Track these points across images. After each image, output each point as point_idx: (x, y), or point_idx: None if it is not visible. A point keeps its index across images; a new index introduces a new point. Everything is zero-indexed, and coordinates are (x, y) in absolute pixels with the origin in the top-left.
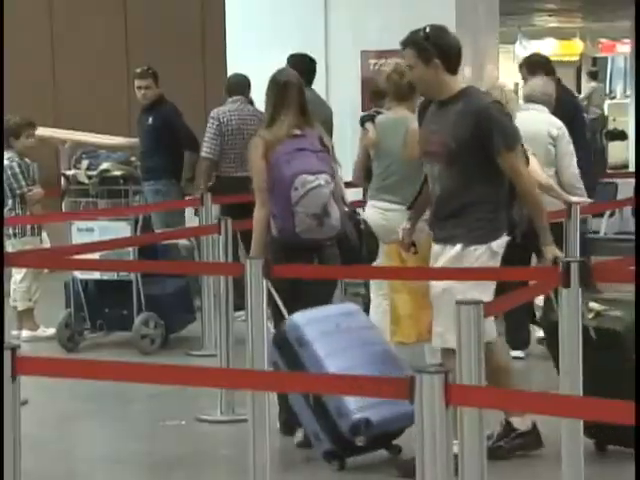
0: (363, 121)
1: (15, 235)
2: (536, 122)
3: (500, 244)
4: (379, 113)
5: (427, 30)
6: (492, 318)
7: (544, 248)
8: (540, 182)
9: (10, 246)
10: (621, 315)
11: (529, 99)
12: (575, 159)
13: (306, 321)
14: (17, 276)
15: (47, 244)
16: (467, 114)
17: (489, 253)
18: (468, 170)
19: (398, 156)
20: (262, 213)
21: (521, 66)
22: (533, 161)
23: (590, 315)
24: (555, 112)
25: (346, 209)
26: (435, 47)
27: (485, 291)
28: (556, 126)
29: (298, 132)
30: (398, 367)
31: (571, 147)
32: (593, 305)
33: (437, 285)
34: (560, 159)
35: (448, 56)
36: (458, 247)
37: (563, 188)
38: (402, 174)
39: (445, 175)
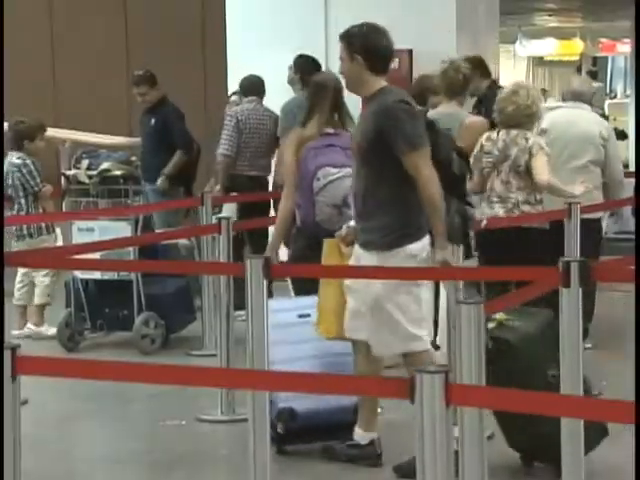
0: None
1: (31, 235)
2: (588, 122)
3: (418, 247)
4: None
5: (361, 28)
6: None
7: (437, 251)
8: (544, 182)
9: (26, 245)
10: (518, 325)
11: (578, 98)
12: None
13: (279, 308)
14: (41, 272)
15: (60, 242)
16: (375, 114)
17: (404, 256)
18: (377, 170)
19: None
20: (286, 206)
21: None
22: (543, 160)
23: (492, 325)
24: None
25: None
26: (361, 45)
27: (411, 294)
28: (605, 126)
29: (331, 131)
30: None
31: (617, 147)
32: (498, 315)
33: (369, 294)
34: (610, 159)
35: (372, 56)
36: (374, 256)
37: (609, 187)
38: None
39: (361, 174)
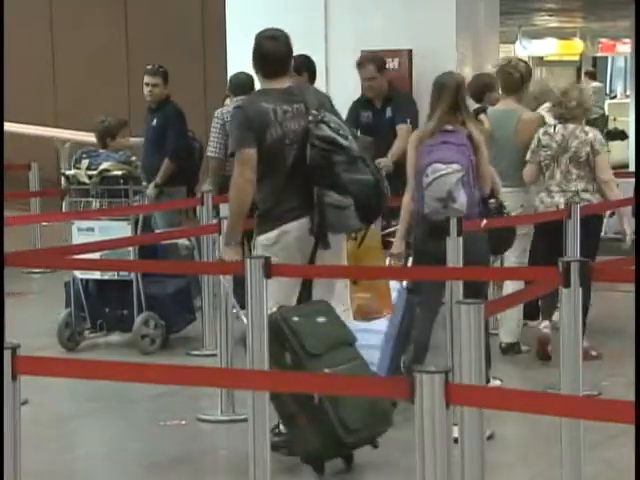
0: (477, 113)
1: None
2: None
3: (268, 237)
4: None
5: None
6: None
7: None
8: (606, 181)
9: None
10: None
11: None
12: None
13: None
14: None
15: None
16: None
17: (260, 246)
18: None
19: (509, 143)
20: (406, 198)
21: (360, 64)
22: (605, 158)
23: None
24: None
25: (492, 201)
26: (254, 52)
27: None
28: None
29: (449, 127)
30: None
31: None
32: None
33: None
34: None
35: (260, 62)
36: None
37: None
38: (512, 159)
39: None
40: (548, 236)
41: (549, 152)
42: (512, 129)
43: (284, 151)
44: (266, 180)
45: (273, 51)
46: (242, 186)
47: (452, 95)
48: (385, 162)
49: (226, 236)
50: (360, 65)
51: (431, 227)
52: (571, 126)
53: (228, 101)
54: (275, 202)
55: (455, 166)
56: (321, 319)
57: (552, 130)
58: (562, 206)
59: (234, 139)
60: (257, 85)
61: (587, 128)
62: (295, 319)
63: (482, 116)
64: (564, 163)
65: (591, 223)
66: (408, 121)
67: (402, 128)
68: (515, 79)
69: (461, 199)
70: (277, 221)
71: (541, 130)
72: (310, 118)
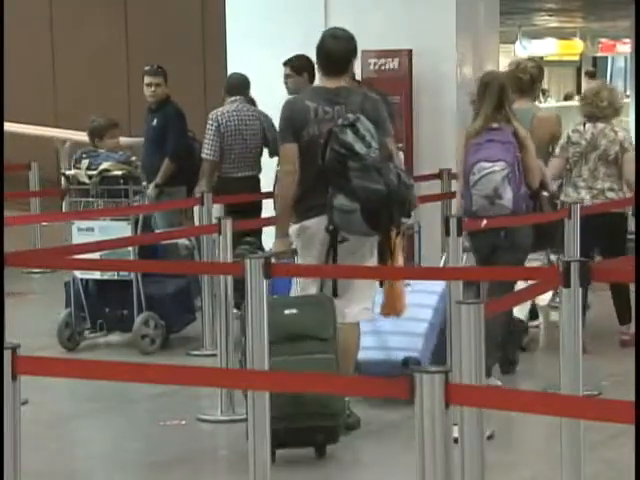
0: None
1: None
2: None
3: (292, 229)
4: None
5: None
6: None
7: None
8: (630, 180)
9: None
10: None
11: None
12: None
13: None
14: None
15: None
16: None
17: (291, 236)
18: None
19: None
20: (457, 197)
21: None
22: (632, 157)
23: None
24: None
25: (545, 193)
26: (316, 48)
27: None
28: None
29: (495, 125)
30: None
31: None
32: None
33: None
34: None
35: (318, 58)
36: None
37: None
38: None
39: None
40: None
41: (578, 149)
42: (527, 127)
43: (317, 150)
44: (300, 175)
45: (331, 50)
46: (282, 179)
47: (496, 94)
48: None
49: (276, 229)
50: None
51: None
52: (601, 125)
53: (228, 101)
54: (302, 197)
55: (500, 164)
56: (290, 311)
57: (582, 128)
58: (587, 202)
59: (278, 133)
60: (254, 85)
61: (617, 128)
62: None
63: None
64: (592, 160)
65: (615, 222)
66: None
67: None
68: (526, 81)
69: (507, 196)
70: (300, 215)
71: (570, 127)
72: (339, 121)
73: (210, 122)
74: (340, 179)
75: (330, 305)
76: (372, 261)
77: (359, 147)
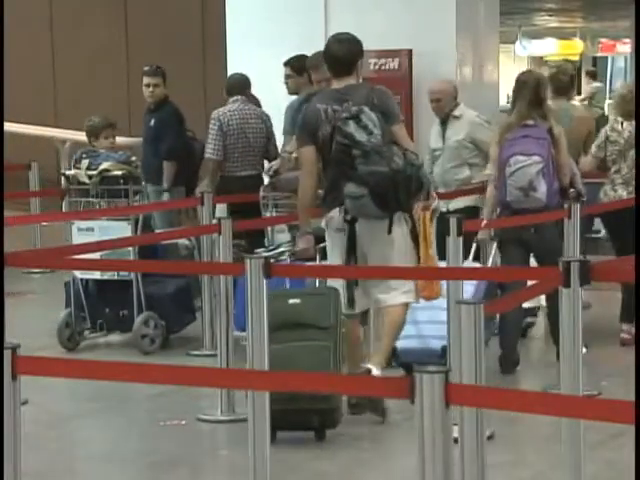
0: None
1: None
2: None
3: (322, 222)
4: None
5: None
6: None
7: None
8: None
9: None
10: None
11: None
12: None
13: None
14: None
15: None
16: None
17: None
18: None
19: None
20: (490, 188)
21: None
22: None
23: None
24: None
25: (572, 191)
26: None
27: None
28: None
29: (530, 122)
30: None
31: None
32: None
33: None
34: None
35: (326, 62)
36: None
37: None
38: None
39: None
40: (609, 227)
41: (617, 147)
42: (566, 126)
43: (331, 147)
44: (324, 172)
45: (334, 53)
46: (302, 180)
47: (532, 91)
48: None
49: (299, 226)
50: (314, 66)
51: (514, 214)
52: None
53: (229, 101)
54: (326, 191)
55: (536, 158)
56: (294, 301)
57: (620, 127)
58: (625, 199)
59: (295, 138)
60: (254, 85)
61: None
62: None
63: None
64: (630, 158)
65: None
66: None
67: None
68: (566, 83)
69: (541, 189)
70: (326, 208)
71: (608, 127)
72: (343, 115)
73: (213, 121)
74: (347, 168)
75: (334, 296)
76: (399, 248)
77: (360, 136)
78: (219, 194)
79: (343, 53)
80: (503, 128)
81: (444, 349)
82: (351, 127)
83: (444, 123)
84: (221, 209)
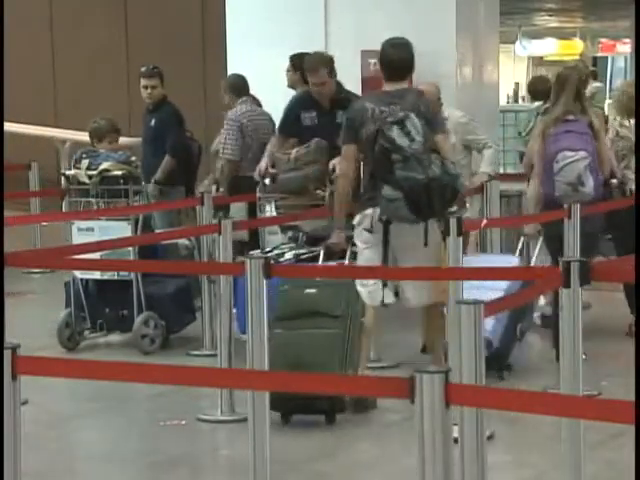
0: (546, 113)
1: None
2: None
3: (356, 218)
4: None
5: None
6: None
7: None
8: None
9: None
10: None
11: None
12: None
13: None
14: None
15: None
16: None
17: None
18: None
19: None
20: (534, 182)
21: (311, 68)
22: None
23: None
24: None
25: (614, 181)
26: (379, 57)
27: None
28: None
29: (571, 117)
30: None
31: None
32: None
33: None
34: None
35: (380, 66)
36: None
37: None
38: None
39: None
40: (552, 245)
41: (628, 143)
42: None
43: (375, 146)
44: (363, 169)
45: (390, 57)
46: (340, 177)
47: (575, 87)
48: (336, 163)
49: (334, 221)
50: (311, 70)
51: (558, 208)
52: None
53: (239, 102)
54: (364, 190)
55: (582, 153)
56: (310, 290)
57: (628, 123)
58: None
59: (341, 135)
60: (253, 85)
61: None
62: (285, 287)
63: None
64: None
65: None
66: None
67: None
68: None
69: (589, 183)
70: (362, 205)
71: (616, 123)
72: (388, 119)
73: (231, 122)
74: (385, 171)
75: (351, 286)
76: (429, 254)
77: (402, 141)
78: (231, 194)
79: (399, 58)
80: (547, 123)
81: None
82: (394, 132)
83: None
84: (237, 209)
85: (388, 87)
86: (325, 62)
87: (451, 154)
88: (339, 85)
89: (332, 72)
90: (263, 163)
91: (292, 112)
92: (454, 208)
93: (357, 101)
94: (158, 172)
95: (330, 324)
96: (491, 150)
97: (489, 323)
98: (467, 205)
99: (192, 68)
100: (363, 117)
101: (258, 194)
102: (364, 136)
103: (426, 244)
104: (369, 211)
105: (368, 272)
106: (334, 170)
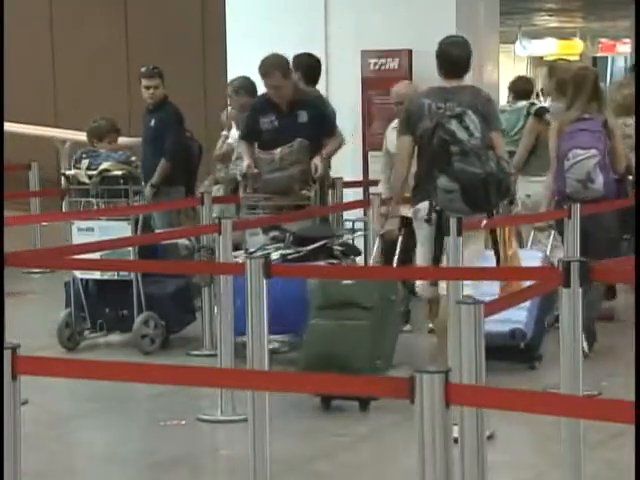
0: (540, 113)
1: None
2: None
3: (411, 211)
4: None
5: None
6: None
7: None
8: None
9: None
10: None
11: None
12: None
13: None
14: None
15: None
16: None
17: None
18: None
19: None
20: (548, 178)
21: (264, 73)
22: None
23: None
24: None
25: (630, 177)
26: (435, 54)
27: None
28: None
29: (587, 116)
30: None
31: None
32: None
33: None
34: None
35: (437, 63)
36: None
37: None
38: None
39: None
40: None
41: (631, 141)
42: None
43: (431, 141)
44: (417, 163)
45: (449, 54)
46: (396, 166)
47: (592, 86)
48: (319, 164)
49: (389, 209)
50: (265, 73)
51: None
52: None
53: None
54: (417, 183)
55: (593, 151)
56: (347, 282)
57: (630, 120)
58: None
59: (398, 128)
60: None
61: None
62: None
63: (548, 115)
64: None
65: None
66: (338, 128)
67: (335, 137)
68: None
69: (599, 180)
70: (415, 199)
71: (620, 121)
72: (447, 113)
73: None
74: (443, 163)
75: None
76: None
77: (461, 134)
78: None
79: (458, 56)
80: (564, 122)
81: (513, 332)
82: (453, 125)
83: None
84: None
85: (445, 84)
86: (279, 65)
87: (504, 152)
88: (297, 85)
89: (288, 75)
90: (245, 163)
91: (251, 118)
92: (505, 202)
93: (414, 96)
94: (155, 175)
95: (361, 315)
96: None
97: (521, 314)
98: (518, 202)
99: (192, 68)
100: (421, 112)
101: (241, 195)
102: (421, 131)
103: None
104: (423, 204)
105: (367, 272)
106: (317, 170)
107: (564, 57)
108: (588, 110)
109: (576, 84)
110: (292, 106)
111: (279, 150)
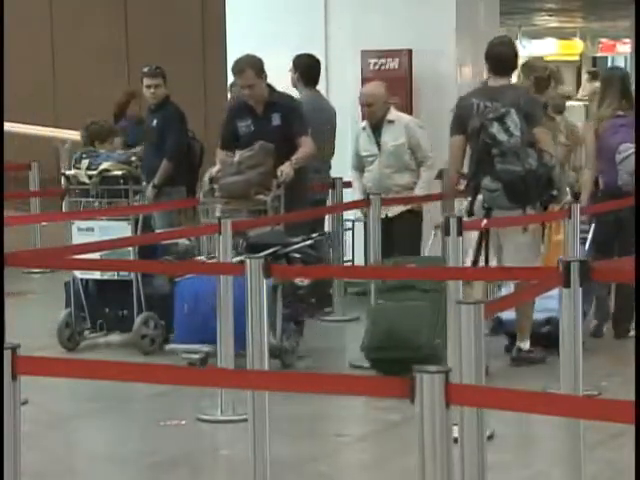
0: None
1: None
2: None
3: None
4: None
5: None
6: None
7: None
8: None
9: None
10: None
11: None
12: None
13: None
14: None
15: None
16: None
17: None
18: None
19: None
20: (589, 173)
21: (237, 70)
22: None
23: None
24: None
25: None
26: (484, 54)
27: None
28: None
29: (620, 113)
30: None
31: None
32: None
33: None
34: None
35: (486, 62)
36: None
37: None
38: None
39: None
40: (607, 228)
41: None
42: None
43: (477, 141)
44: (469, 160)
45: (498, 54)
46: (449, 165)
47: (620, 85)
48: (286, 170)
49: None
50: (238, 72)
51: (611, 197)
52: None
53: None
54: (468, 181)
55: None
56: (411, 265)
57: None
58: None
59: (450, 127)
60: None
61: None
62: (390, 262)
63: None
64: None
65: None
66: (309, 131)
67: (307, 140)
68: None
69: None
70: (468, 193)
71: None
72: (490, 115)
73: None
74: (486, 164)
75: (443, 262)
76: (528, 237)
77: (501, 136)
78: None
79: (507, 55)
80: (597, 120)
81: (548, 320)
82: (495, 128)
83: (377, 128)
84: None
85: (492, 82)
86: (252, 64)
87: (550, 145)
88: (271, 88)
89: (261, 74)
90: (215, 168)
91: (229, 124)
92: (554, 192)
93: (463, 96)
94: (156, 176)
95: (421, 297)
96: (427, 172)
97: (556, 303)
98: (567, 192)
99: (192, 68)
100: (470, 112)
101: (201, 198)
102: (470, 129)
103: (525, 229)
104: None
105: (366, 272)
106: (281, 174)
107: (536, 56)
108: (620, 107)
109: (604, 85)
110: (266, 109)
111: (239, 153)
